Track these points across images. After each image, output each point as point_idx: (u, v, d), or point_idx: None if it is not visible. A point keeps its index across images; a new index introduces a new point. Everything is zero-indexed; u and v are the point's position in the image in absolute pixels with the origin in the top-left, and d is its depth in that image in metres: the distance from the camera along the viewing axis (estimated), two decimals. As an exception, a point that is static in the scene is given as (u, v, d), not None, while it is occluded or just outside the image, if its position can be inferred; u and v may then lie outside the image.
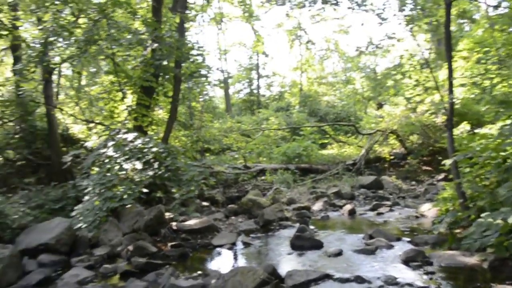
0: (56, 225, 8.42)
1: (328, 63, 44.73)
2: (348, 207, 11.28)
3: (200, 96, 16.46)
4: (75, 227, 7.79)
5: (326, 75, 39.59)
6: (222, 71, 37.26)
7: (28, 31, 13.91)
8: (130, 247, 8.03)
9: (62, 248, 8.18)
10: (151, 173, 7.92)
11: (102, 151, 8.62)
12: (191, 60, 12.14)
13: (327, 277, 6.13)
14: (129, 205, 8.57)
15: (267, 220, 10.11)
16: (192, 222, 9.61)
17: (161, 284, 6.34)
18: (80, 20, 12.14)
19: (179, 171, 8.23)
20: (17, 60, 15.31)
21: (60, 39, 11.20)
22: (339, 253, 7.34)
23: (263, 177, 15.85)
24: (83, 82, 19.25)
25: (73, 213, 7.75)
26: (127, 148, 8.16)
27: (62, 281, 6.66)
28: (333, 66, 42.25)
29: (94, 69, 16.55)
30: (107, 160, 8.24)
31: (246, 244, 8.60)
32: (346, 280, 6.00)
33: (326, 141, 22.50)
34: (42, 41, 11.22)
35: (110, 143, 8.70)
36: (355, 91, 33.56)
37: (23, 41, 13.70)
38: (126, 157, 7.99)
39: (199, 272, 7.02)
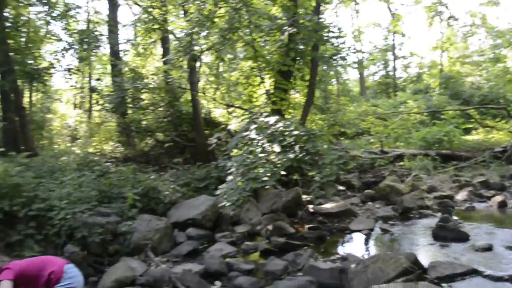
0: (202, 202, 9.07)
1: (473, 40, 40.84)
2: (498, 198, 10.24)
3: (336, 80, 16.25)
4: (219, 205, 8.30)
5: (470, 54, 36.25)
6: (359, 52, 36.31)
7: (175, 23, 14.99)
8: (269, 227, 8.33)
9: (207, 224, 8.81)
10: (291, 156, 8.07)
11: (245, 133, 9.00)
12: (330, 43, 12.01)
13: (475, 272, 5.64)
14: (267, 187, 8.86)
15: (406, 208, 9.69)
16: (329, 206, 9.62)
17: (300, 264, 6.46)
18: (222, 10, 12.73)
19: (318, 155, 8.26)
20: (165, 51, 16.70)
21: (204, 29, 11.90)
22: (488, 248, 6.68)
23: (400, 163, 15.18)
24: (221, 69, 20.26)
25: (217, 192, 8.25)
26: (268, 131, 8.40)
27: (208, 253, 7.15)
28: (479, 43, 38.49)
29: (232, 56, 17.33)
30: (249, 143, 8.59)
31: (384, 231, 8.36)
32: (498, 279, 5.43)
33: (470, 126, 20.64)
34: (189, 31, 12.05)
35: (252, 126, 9.03)
36: (506, 70, 30.18)
37: (171, 33, 14.87)
38: (268, 139, 8.24)
39: (337, 255, 7.03)
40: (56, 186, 8.10)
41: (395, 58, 37.23)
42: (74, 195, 7.75)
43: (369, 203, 10.82)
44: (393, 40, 36.91)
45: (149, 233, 7.42)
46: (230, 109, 16.76)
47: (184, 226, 8.70)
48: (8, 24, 13.58)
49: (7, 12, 13.79)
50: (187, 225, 8.70)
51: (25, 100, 17.59)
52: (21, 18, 14.93)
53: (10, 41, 13.49)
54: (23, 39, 15.16)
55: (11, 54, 13.38)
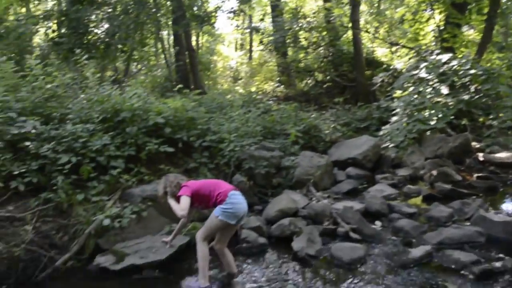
0: (364, 142, 8.94)
1: None
2: None
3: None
4: (382, 146, 8.08)
5: None
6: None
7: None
8: (434, 172, 7.89)
9: (367, 164, 8.71)
10: (465, 97, 7.37)
11: (413, 72, 8.46)
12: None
13: None
14: (431, 131, 8.33)
15: None
16: (503, 155, 8.69)
17: (468, 213, 6.04)
18: None
19: (497, 97, 7.40)
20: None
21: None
22: None
23: None
24: (382, 6, 19.12)
25: (380, 133, 8.04)
26: (440, 70, 7.76)
27: (369, 194, 7.09)
28: None
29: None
30: (418, 82, 8.08)
31: None
32: None
33: None
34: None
35: (422, 65, 8.42)
36: None
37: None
38: (439, 79, 7.62)
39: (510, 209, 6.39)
40: (225, 121, 8.73)
41: None
42: (242, 130, 8.28)
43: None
44: None
45: (311, 169, 7.61)
46: (394, 48, 15.84)
47: (344, 165, 8.73)
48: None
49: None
50: (347, 164, 8.72)
51: (193, 43, 18.97)
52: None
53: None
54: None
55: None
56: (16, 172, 5.52)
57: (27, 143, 5.86)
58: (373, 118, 11.21)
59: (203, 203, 4.55)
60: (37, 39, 17.02)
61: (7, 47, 12.14)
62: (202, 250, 4.35)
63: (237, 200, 4.32)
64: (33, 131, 5.98)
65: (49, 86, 7.27)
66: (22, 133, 5.88)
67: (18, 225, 5.07)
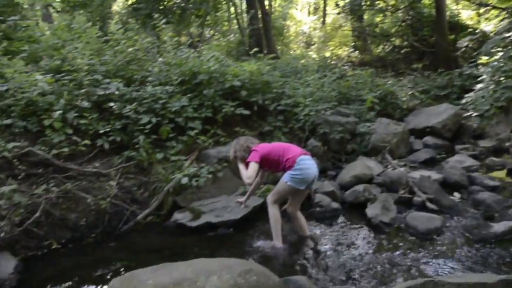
0: (444, 110, 8.53)
1: None
2: None
3: None
4: (464, 115, 7.66)
5: None
6: None
7: None
8: (520, 144, 7.40)
9: (446, 134, 8.32)
10: None
11: (505, 35, 7.84)
12: None
13: None
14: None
15: None
16: None
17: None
18: None
19: None
20: None
21: None
22: None
23: None
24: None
25: (463, 101, 7.60)
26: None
27: (447, 164, 6.78)
28: None
29: None
30: (510, 46, 7.48)
31: None
32: None
33: None
34: None
35: (516, 27, 7.79)
36: None
37: None
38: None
39: None
40: (300, 85, 8.66)
41: None
42: (317, 94, 8.19)
43: None
44: None
45: (387, 136, 7.41)
46: (482, 10, 14.71)
47: (422, 134, 8.41)
48: None
49: None
50: (425, 133, 8.39)
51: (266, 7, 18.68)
52: None
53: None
54: None
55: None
56: (101, 131, 5.87)
57: (111, 104, 6.19)
58: (454, 86, 10.61)
59: (272, 167, 4.57)
60: (116, 6, 17.65)
61: (91, 14, 12.72)
62: (273, 212, 4.43)
63: (306, 166, 4.28)
64: (117, 92, 6.29)
65: (130, 50, 7.56)
66: (107, 94, 6.21)
67: (104, 181, 5.42)
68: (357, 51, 18.28)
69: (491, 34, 10.38)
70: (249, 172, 4.34)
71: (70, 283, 3.70)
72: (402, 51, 16.28)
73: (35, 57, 7.14)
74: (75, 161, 5.55)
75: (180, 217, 5.12)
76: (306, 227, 4.65)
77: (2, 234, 4.16)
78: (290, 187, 4.31)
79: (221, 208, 5.22)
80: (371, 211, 4.96)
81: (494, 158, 7.17)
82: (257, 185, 5.08)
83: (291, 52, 18.65)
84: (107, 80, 6.42)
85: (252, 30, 15.52)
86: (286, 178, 4.30)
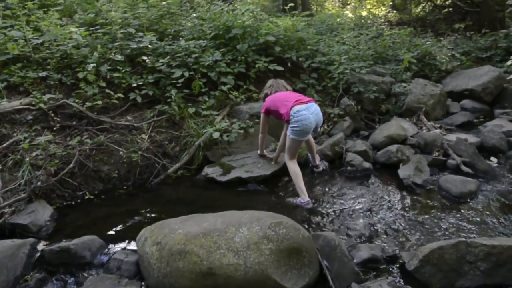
0: (485, 73, 8.15)
1: None
2: None
3: None
4: (508, 78, 7.31)
5: None
6: None
7: None
8: None
9: (486, 97, 7.99)
10: None
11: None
12: None
13: None
14: None
15: None
16: None
17: None
18: None
19: None
20: None
21: None
22: None
23: None
24: None
25: (508, 63, 7.22)
26: None
27: (485, 128, 6.52)
28: None
29: None
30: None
31: None
32: None
33: None
34: None
35: None
36: None
37: None
38: None
39: None
40: (335, 43, 8.43)
41: None
42: (352, 52, 7.97)
43: None
44: None
45: (423, 97, 7.17)
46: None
47: (460, 97, 8.10)
48: None
49: None
50: (463, 96, 8.07)
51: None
52: None
53: None
54: None
55: None
56: (134, 85, 5.92)
57: (144, 58, 6.20)
58: (498, 48, 10.09)
59: (279, 119, 4.64)
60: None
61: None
62: (292, 169, 4.47)
63: (301, 117, 4.27)
64: (150, 46, 6.28)
65: (163, 3, 7.48)
66: (140, 48, 6.22)
67: (136, 134, 5.50)
68: (395, 11, 17.60)
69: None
70: (260, 125, 4.70)
71: (102, 231, 3.81)
72: (444, 11, 15.56)
73: (70, 10, 7.18)
74: (108, 114, 5.65)
75: (211, 171, 5.16)
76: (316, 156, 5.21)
77: (39, 183, 4.30)
78: (295, 140, 4.39)
79: (252, 163, 5.24)
80: (404, 172, 4.87)
81: (536, 124, 6.88)
82: (264, 137, 5.21)
83: (326, 11, 18.15)
84: (140, 34, 6.41)
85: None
86: (289, 132, 4.40)
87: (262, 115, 4.86)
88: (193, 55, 6.23)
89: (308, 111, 4.31)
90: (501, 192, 4.45)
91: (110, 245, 3.47)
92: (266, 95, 4.89)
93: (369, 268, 3.09)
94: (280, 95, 4.71)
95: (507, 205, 4.17)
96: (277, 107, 4.55)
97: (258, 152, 5.36)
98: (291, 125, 4.33)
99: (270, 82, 5.08)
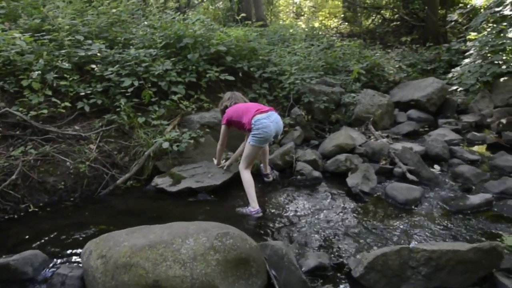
0: (429, 84, 8.52)
1: None
2: None
3: None
4: (449, 89, 7.65)
5: None
6: None
7: None
8: (503, 121, 7.44)
9: (430, 107, 8.35)
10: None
11: (496, 9, 7.75)
12: None
13: None
14: (506, 76, 7.76)
15: None
16: None
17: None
18: None
19: None
20: None
21: None
22: None
23: None
24: None
25: (449, 75, 7.56)
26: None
27: (430, 137, 6.81)
28: None
29: None
30: (499, 20, 7.40)
31: None
32: None
33: None
34: None
35: (509, 0, 7.64)
36: None
37: None
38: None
39: None
40: (287, 53, 8.55)
41: None
42: (303, 63, 8.10)
43: None
44: None
45: (371, 107, 7.41)
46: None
47: (406, 107, 8.43)
48: None
49: None
50: (409, 106, 8.41)
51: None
52: None
53: None
54: None
55: None
56: (82, 93, 5.77)
57: (93, 66, 6.05)
58: (441, 60, 10.59)
59: (241, 129, 4.70)
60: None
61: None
62: (246, 177, 4.52)
63: (262, 125, 4.40)
64: (99, 54, 6.14)
65: (114, 11, 7.35)
66: (89, 55, 6.07)
67: (83, 144, 5.35)
68: (346, 23, 18.11)
69: (482, 10, 10.30)
70: (220, 136, 4.75)
71: (47, 245, 3.67)
72: (392, 24, 16.17)
73: (14, 14, 6.92)
74: (54, 123, 5.46)
75: (160, 182, 5.09)
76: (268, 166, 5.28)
77: (-22, 196, 4.10)
78: (254, 147, 4.47)
79: (202, 173, 5.20)
80: (352, 180, 4.99)
81: (475, 133, 7.23)
82: (240, 152, 5.19)
83: (280, 22, 18.41)
84: (89, 41, 6.26)
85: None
86: (249, 140, 4.47)
87: (223, 127, 4.84)
88: (143, 64, 6.15)
89: (269, 120, 4.44)
90: (443, 199, 4.63)
91: (54, 260, 3.34)
92: (226, 107, 4.92)
93: (317, 276, 3.12)
94: (241, 106, 4.78)
95: (448, 211, 4.34)
96: (239, 117, 4.60)
97: (215, 163, 5.33)
98: (252, 133, 4.41)
99: (228, 94, 5.12)
